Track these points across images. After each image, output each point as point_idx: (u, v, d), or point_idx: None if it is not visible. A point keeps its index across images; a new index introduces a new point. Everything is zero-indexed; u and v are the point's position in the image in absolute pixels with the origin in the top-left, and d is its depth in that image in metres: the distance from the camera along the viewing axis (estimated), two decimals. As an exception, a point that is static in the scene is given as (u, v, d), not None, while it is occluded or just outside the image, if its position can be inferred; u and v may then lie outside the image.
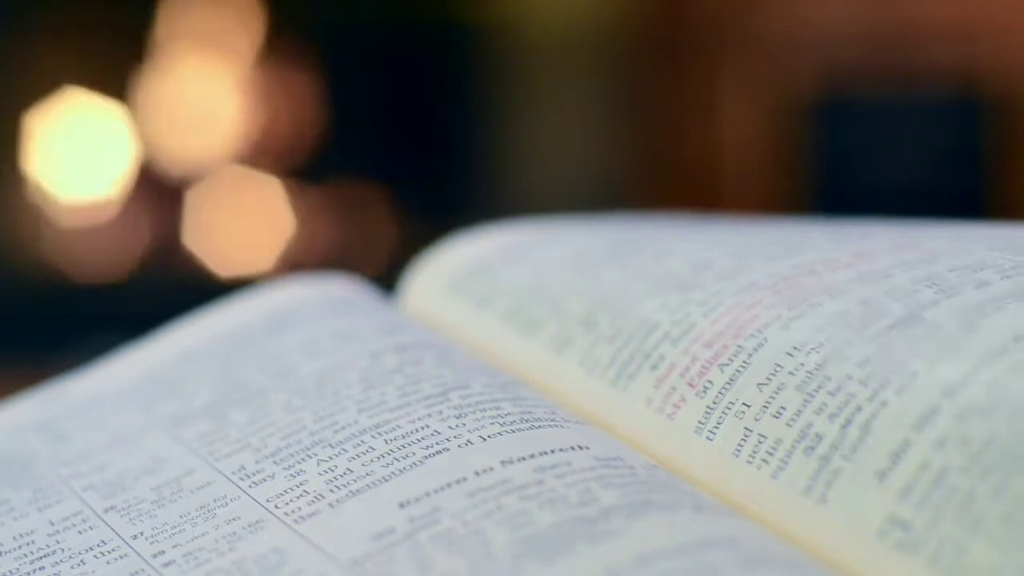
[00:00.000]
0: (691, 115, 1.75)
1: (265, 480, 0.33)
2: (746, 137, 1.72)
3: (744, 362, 0.33)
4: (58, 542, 0.33)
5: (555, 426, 0.33)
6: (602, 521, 0.29)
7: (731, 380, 0.33)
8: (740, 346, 0.34)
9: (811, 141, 1.70)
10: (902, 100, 1.67)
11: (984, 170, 1.66)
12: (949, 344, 0.31)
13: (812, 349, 0.32)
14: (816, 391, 0.31)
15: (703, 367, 0.34)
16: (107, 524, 0.34)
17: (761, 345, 0.33)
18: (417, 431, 0.33)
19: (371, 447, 0.33)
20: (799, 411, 0.31)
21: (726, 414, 0.33)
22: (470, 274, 0.43)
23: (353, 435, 0.34)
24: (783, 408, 0.32)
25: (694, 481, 0.32)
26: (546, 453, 0.32)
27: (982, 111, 1.65)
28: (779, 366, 0.32)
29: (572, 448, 0.32)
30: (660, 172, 1.78)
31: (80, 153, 1.69)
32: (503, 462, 0.32)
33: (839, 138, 1.68)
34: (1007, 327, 0.30)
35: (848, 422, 0.30)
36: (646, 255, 0.40)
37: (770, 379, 0.32)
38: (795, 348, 0.33)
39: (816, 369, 0.32)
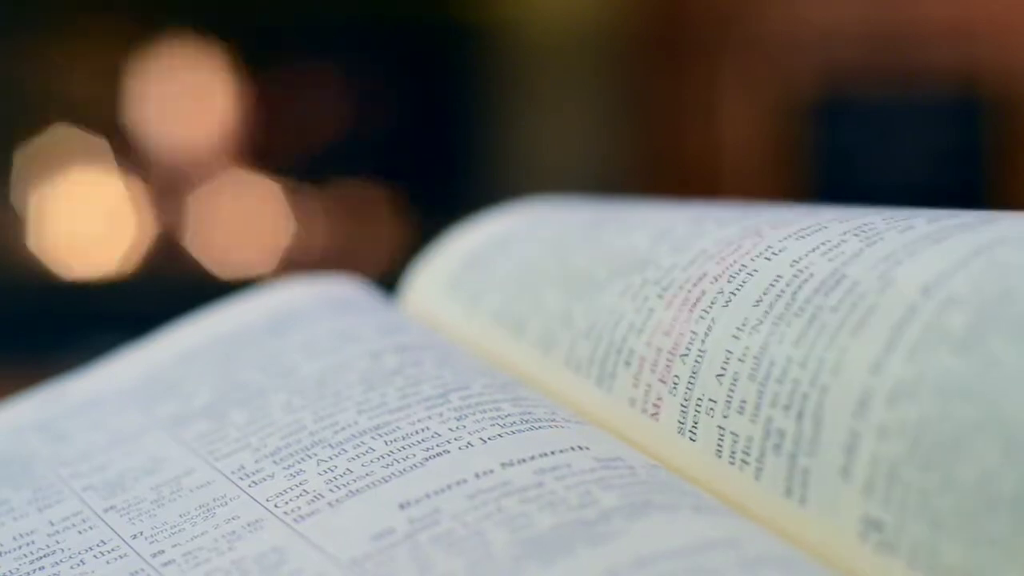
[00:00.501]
0: (691, 115, 1.75)
1: (265, 480, 0.33)
2: (746, 137, 1.72)
3: (699, 351, 0.33)
4: (58, 542, 0.33)
5: (555, 427, 0.33)
6: (602, 523, 0.29)
7: (693, 373, 0.32)
8: (693, 332, 0.33)
9: (811, 141, 1.70)
10: (902, 100, 1.67)
11: (984, 170, 1.66)
12: (868, 306, 0.30)
13: (752, 328, 0.32)
14: (766, 379, 0.31)
15: (667, 360, 0.33)
16: (107, 524, 0.34)
17: (710, 328, 0.33)
18: (417, 432, 0.33)
19: (371, 448, 0.33)
20: (757, 404, 0.31)
21: (699, 412, 0.32)
22: (464, 271, 0.43)
23: (353, 436, 0.34)
24: (744, 402, 0.31)
25: (692, 482, 0.32)
26: (546, 455, 0.32)
27: (982, 111, 1.65)
28: (729, 352, 0.32)
29: (572, 449, 0.32)
30: (660, 172, 1.78)
31: (81, 152, 1.69)
32: (503, 464, 0.32)
33: (839, 138, 1.68)
34: (916, 276, 0.29)
35: (800, 414, 0.29)
36: (612, 229, 0.39)
37: (725, 368, 0.32)
38: (738, 328, 0.32)
39: (760, 352, 0.31)
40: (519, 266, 0.41)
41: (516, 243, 0.42)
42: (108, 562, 0.32)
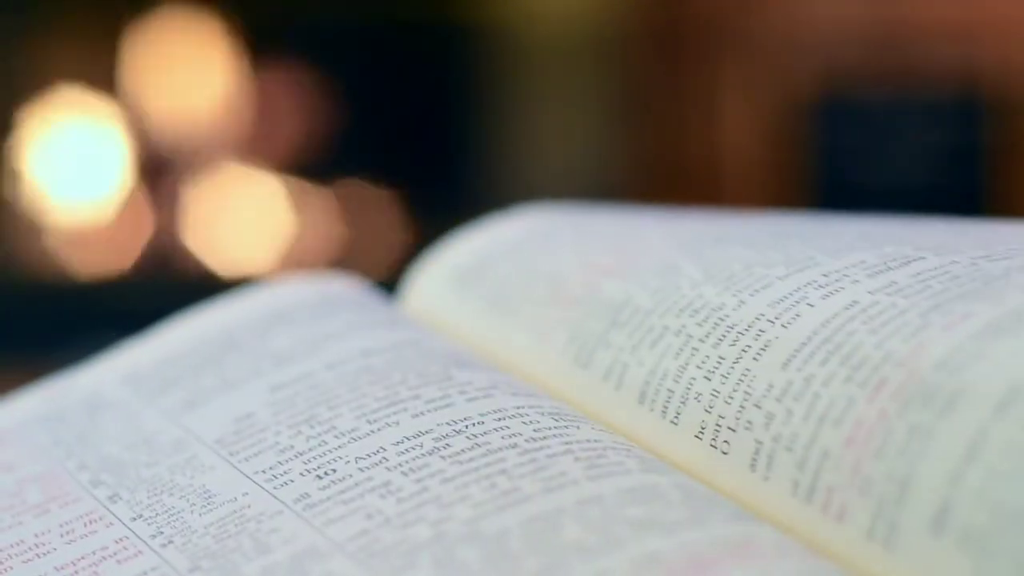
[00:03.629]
0: (691, 115, 1.75)
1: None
2: (746, 137, 1.72)
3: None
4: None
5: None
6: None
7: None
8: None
9: (811, 141, 1.70)
10: (902, 100, 1.67)
11: (984, 170, 1.66)
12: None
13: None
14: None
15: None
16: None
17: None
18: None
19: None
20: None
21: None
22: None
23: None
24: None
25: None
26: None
27: (982, 111, 1.65)
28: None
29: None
30: (660, 172, 1.78)
31: (79, 152, 1.69)
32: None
33: (839, 138, 1.68)
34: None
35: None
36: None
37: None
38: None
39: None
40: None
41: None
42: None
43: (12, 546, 0.34)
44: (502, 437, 0.32)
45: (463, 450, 0.32)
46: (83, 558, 0.32)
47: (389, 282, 0.49)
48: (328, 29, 1.73)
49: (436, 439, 0.33)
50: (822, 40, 1.68)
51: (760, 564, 0.28)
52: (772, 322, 0.34)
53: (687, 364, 0.34)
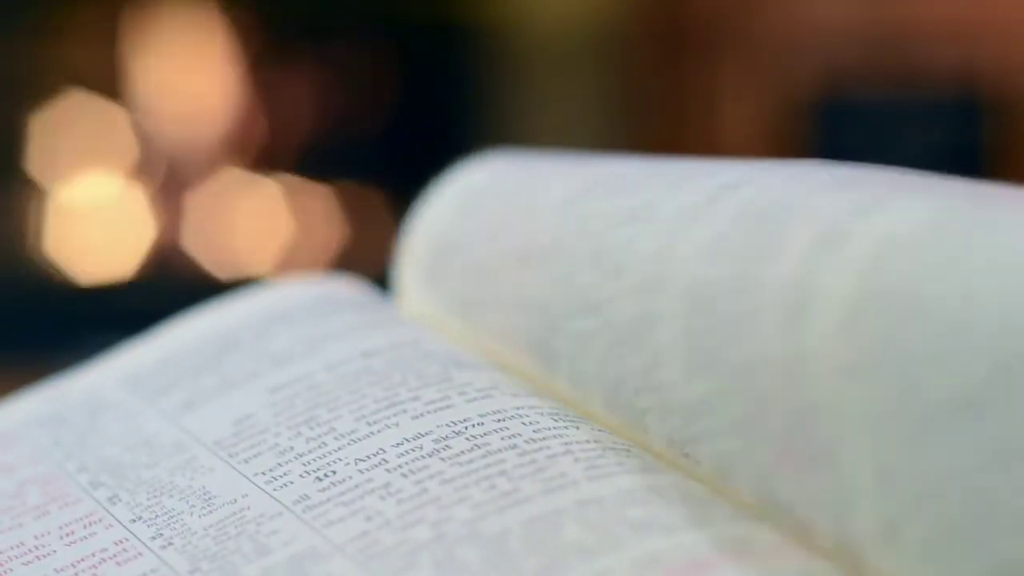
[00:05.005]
0: (691, 115, 1.75)
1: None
2: (746, 137, 1.72)
3: None
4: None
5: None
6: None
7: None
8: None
9: (811, 141, 1.70)
10: (902, 100, 1.67)
11: (984, 170, 1.66)
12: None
13: None
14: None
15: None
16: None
17: None
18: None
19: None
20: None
21: None
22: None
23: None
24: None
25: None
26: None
27: (982, 111, 1.65)
28: None
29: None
30: (660, 172, 1.77)
31: (80, 153, 1.69)
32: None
33: (839, 138, 1.68)
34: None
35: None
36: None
37: None
38: None
39: None
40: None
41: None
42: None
43: (12, 548, 0.34)
44: (502, 438, 0.32)
45: (463, 451, 0.32)
46: (83, 560, 0.32)
47: (387, 282, 0.49)
48: (328, 29, 1.73)
49: (436, 440, 0.33)
50: (822, 40, 1.68)
51: (760, 564, 0.28)
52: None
53: (604, 365, 0.34)
